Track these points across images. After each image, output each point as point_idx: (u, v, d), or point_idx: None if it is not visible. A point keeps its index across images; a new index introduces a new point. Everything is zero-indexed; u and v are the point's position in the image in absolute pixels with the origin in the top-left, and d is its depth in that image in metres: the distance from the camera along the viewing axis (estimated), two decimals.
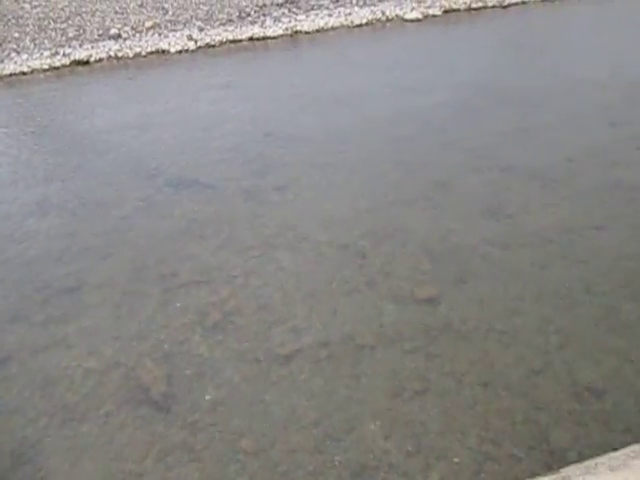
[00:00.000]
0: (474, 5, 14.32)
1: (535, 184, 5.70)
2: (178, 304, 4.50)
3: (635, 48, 10.27)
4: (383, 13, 14.06)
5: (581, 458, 3.03)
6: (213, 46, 12.72)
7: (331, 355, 3.86)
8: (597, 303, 4.10)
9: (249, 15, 14.18)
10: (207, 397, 3.67)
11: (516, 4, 14.30)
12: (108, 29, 13.20)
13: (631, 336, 3.82)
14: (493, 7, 14.23)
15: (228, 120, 8.21)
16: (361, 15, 14.04)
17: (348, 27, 13.63)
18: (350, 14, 14.18)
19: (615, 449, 2.94)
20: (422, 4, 14.49)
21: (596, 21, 12.81)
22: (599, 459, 2.71)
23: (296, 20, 13.71)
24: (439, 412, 3.41)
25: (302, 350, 3.93)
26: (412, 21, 13.64)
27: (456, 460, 3.12)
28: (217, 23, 13.76)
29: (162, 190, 6.36)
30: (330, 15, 14.10)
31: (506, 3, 14.38)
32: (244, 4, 14.63)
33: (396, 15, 13.99)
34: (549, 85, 8.64)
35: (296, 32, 13.23)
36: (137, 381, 3.82)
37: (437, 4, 14.43)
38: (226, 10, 14.23)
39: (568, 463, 3.02)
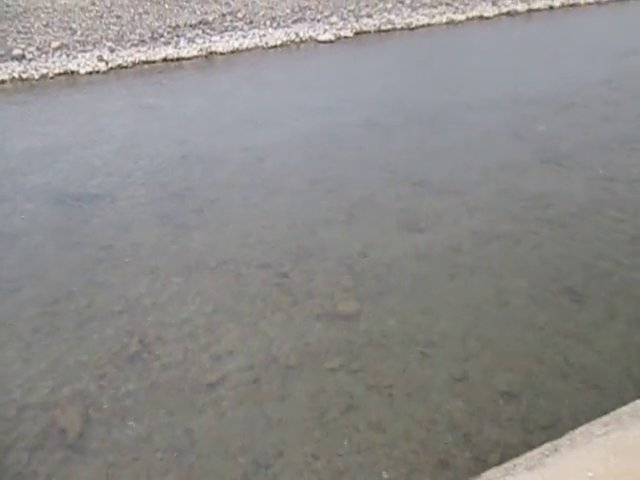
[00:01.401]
0: (383, 27, 14.88)
1: (446, 197, 5.96)
2: (94, 337, 4.29)
3: (530, 68, 11.03)
4: (297, 35, 14.30)
5: (502, 460, 3.16)
6: (125, 67, 12.39)
7: (256, 379, 3.81)
8: (509, 310, 4.32)
9: (162, 36, 13.98)
10: (129, 432, 3.51)
11: (422, 26, 15.00)
12: (11, 49, 12.54)
13: (541, 339, 4.04)
14: (401, 29, 14.84)
15: (145, 142, 8.00)
16: (275, 37, 14.20)
17: (263, 48, 13.74)
18: (264, 35, 14.31)
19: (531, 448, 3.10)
20: (334, 26, 14.88)
21: (496, 43, 13.65)
22: (517, 460, 2.83)
23: (210, 41, 13.66)
24: (366, 427, 3.44)
25: (227, 376, 3.85)
26: (325, 42, 13.96)
27: (385, 475, 3.16)
28: (129, 44, 13.45)
29: (76, 216, 6.07)
30: (244, 36, 14.16)
31: (413, 25, 15.05)
32: (156, 25, 14.42)
33: (309, 37, 14.27)
34: (456, 102, 9.09)
35: (211, 53, 13.16)
36: (52, 424, 3.60)
37: (348, 26, 14.87)
38: (138, 31, 13.94)
39: (490, 466, 3.14)
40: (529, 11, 16.45)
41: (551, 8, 16.83)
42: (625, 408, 2.87)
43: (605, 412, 3.20)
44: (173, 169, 7.08)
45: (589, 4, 17.37)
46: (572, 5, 17.12)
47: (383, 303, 4.45)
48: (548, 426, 3.38)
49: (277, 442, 3.39)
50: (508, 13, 16.26)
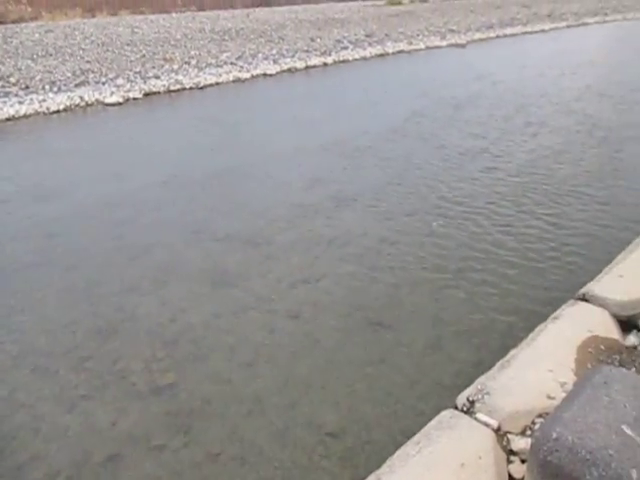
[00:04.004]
0: (173, 87, 14.98)
1: (252, 250, 6.08)
2: None
3: (314, 119, 11.96)
4: (82, 98, 13.68)
5: None
6: None
7: None
8: (323, 350, 4.49)
9: None
10: None
11: (211, 85, 15.44)
12: None
13: (355, 372, 4.25)
14: (191, 89, 15.09)
15: None
16: (57, 101, 13.42)
17: (45, 114, 12.86)
18: (44, 100, 13.44)
19: None
20: (121, 88, 14.57)
21: (280, 97, 14.58)
22: None
23: None
24: None
25: None
26: (113, 105, 13.56)
27: None
28: None
29: None
30: (21, 103, 13.14)
31: (202, 85, 15.41)
32: None
33: (96, 100, 13.76)
34: (250, 156, 9.44)
35: None
36: None
37: (136, 88, 14.67)
38: None
39: None
40: (307, 68, 17.98)
41: (325, 64, 18.61)
42: (432, 423, 3.10)
43: (418, 430, 3.43)
44: None
45: (356, 60, 19.58)
46: (342, 61, 19.14)
47: (201, 367, 4.32)
48: (372, 459, 3.53)
49: None
50: (289, 70, 17.57)
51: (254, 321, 4.87)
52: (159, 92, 14.69)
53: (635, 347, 3.35)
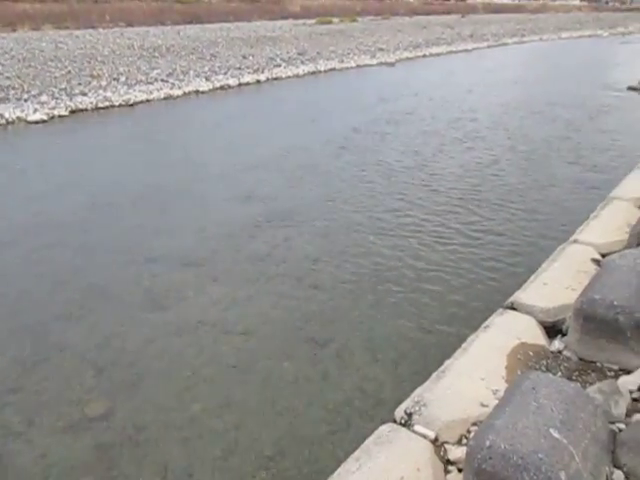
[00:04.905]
0: (101, 105, 14.54)
1: (187, 270, 5.94)
2: None
3: (248, 135, 11.92)
4: (1, 116, 13.04)
5: None
6: None
7: None
8: (263, 371, 4.42)
9: None
10: None
11: (141, 102, 15.11)
12: None
13: (298, 393, 4.20)
14: (120, 106, 14.70)
15: None
16: None
17: None
18: None
19: None
20: (46, 105, 14.01)
21: (213, 115, 14.46)
22: None
23: None
24: None
25: None
26: (37, 123, 13.00)
27: None
28: None
29: None
30: None
31: (132, 102, 15.04)
32: None
33: (17, 117, 13.15)
34: (182, 175, 9.27)
35: None
36: None
37: (62, 104, 14.15)
38: None
39: None
40: (240, 85, 17.96)
41: (258, 82, 18.66)
42: (371, 438, 3.09)
43: (357, 447, 3.42)
44: None
45: (290, 77, 19.75)
46: (275, 79, 19.25)
47: (136, 394, 4.15)
48: (314, 476, 3.50)
49: None
50: (222, 87, 17.47)
51: (190, 343, 4.74)
52: (86, 109, 14.23)
53: (560, 352, 3.50)
